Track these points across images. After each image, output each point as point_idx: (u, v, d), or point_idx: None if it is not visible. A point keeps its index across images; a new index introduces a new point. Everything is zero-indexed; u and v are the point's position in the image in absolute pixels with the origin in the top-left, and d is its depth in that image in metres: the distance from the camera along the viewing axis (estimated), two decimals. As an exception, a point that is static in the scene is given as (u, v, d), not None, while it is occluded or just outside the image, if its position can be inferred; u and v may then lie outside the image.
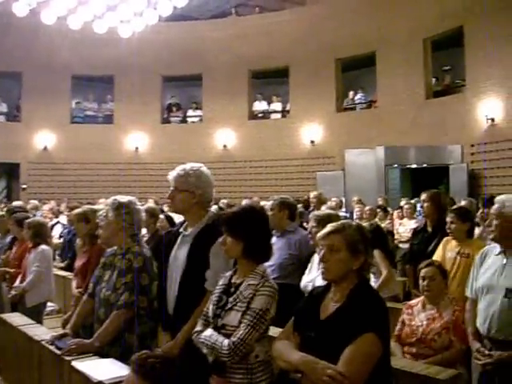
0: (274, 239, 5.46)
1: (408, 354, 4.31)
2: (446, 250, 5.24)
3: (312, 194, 10.13)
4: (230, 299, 3.02)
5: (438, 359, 4.09)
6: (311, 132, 18.74)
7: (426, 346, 4.25)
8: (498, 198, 3.86)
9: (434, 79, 17.77)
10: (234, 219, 3.14)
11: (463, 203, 9.42)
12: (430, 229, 5.69)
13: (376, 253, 5.62)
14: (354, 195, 14.03)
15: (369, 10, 17.48)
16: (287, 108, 20.20)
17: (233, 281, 3.11)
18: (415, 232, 5.95)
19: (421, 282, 4.53)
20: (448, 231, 5.24)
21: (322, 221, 4.35)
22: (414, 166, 16.28)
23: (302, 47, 18.70)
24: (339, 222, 2.94)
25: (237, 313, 2.96)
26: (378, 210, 10.58)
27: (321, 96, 18.61)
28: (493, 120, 14.79)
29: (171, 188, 3.69)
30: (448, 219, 5.23)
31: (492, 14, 14.68)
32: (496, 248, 3.81)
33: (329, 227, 2.89)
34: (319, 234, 2.95)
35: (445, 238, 5.32)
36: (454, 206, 5.72)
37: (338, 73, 18.99)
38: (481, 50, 15.06)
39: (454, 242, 5.25)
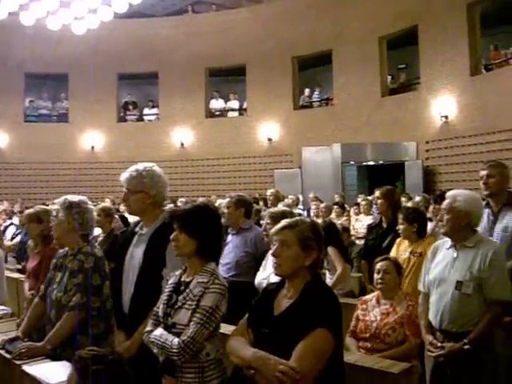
0: (229, 237, 5.47)
1: (363, 348, 4.34)
2: (400, 251, 5.31)
3: (269, 192, 10.16)
4: (180, 298, 2.99)
5: (393, 353, 4.12)
6: (268, 130, 18.78)
7: (380, 341, 4.28)
8: (449, 193, 3.92)
9: (389, 77, 18.02)
10: (188, 216, 3.11)
11: (417, 199, 9.57)
12: (384, 225, 5.76)
13: (330, 250, 5.66)
14: (311, 192, 14.12)
15: (325, 8, 17.60)
16: (244, 106, 20.20)
17: (183, 279, 3.08)
18: (370, 228, 6.02)
19: (376, 275, 4.57)
20: (399, 232, 5.32)
21: (277, 218, 4.35)
22: (371, 162, 16.49)
23: (259, 45, 18.71)
24: (292, 219, 2.94)
25: (187, 311, 2.93)
26: (336, 206, 10.64)
27: (278, 94, 18.66)
28: (446, 117, 15.07)
29: (124, 190, 3.65)
30: (399, 220, 5.31)
31: (445, 13, 14.97)
32: (447, 242, 3.88)
33: (282, 223, 2.89)
34: (272, 230, 2.97)
35: (398, 239, 5.39)
36: (403, 206, 5.78)
37: (294, 71, 19.08)
38: (435, 49, 15.34)
39: (406, 242, 5.33)
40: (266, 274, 4.48)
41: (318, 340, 2.59)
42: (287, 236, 2.82)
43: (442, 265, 3.78)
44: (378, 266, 4.60)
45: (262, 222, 6.41)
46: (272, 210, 5.05)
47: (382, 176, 15.95)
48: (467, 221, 3.73)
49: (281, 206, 7.18)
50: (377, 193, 5.94)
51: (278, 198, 9.43)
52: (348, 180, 16.15)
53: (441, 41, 15.17)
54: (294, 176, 16.59)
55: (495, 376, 3.69)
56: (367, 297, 4.75)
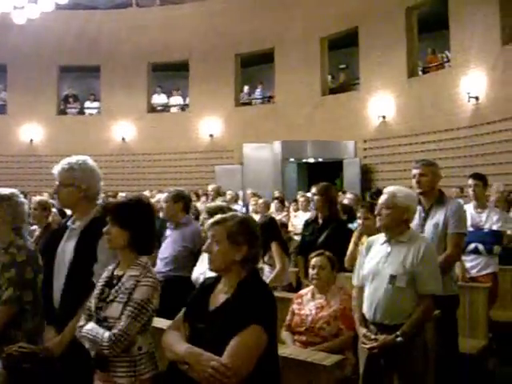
0: (168, 232, 5.47)
1: (298, 342, 4.40)
2: (360, 245, 5.33)
3: (210, 187, 10.17)
4: (112, 291, 2.97)
5: (327, 346, 4.21)
6: (210, 126, 18.77)
7: (315, 335, 4.36)
8: (387, 189, 4.01)
9: (330, 77, 18.27)
10: (121, 208, 3.10)
11: (349, 196, 9.76)
12: (320, 221, 5.81)
13: (273, 245, 5.75)
14: (251, 189, 14.21)
15: (269, 7, 17.71)
16: (187, 102, 20.13)
17: (115, 273, 3.06)
18: (307, 224, 6.08)
19: (310, 270, 4.64)
20: (360, 227, 5.39)
21: (213, 213, 4.39)
22: (310, 160, 16.67)
23: (202, 41, 18.67)
24: (224, 214, 2.96)
25: (118, 304, 2.91)
26: (276, 201, 10.72)
27: (220, 90, 18.68)
28: (384, 117, 15.42)
29: (56, 183, 3.58)
30: (359, 214, 5.39)
31: (384, 16, 15.32)
32: (380, 238, 3.99)
33: (212, 219, 2.93)
34: (205, 225, 3.01)
35: (355, 234, 5.46)
36: (347, 201, 5.90)
37: (237, 68, 19.13)
38: (374, 51, 15.66)
39: (364, 237, 5.35)
40: (203, 269, 4.43)
41: (251, 336, 2.62)
42: (217, 231, 2.84)
43: (376, 260, 3.87)
44: (313, 261, 4.67)
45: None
46: (209, 204, 5.07)
47: (322, 173, 16.16)
48: (405, 216, 3.85)
49: (218, 202, 7.21)
50: (313, 189, 5.98)
51: (218, 194, 9.46)
52: (288, 177, 16.30)
53: (380, 43, 15.51)
54: (235, 172, 16.64)
55: (425, 367, 3.83)
56: (302, 291, 4.81)
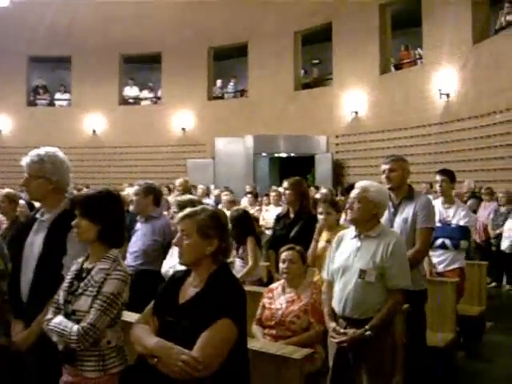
0: (138, 225, 5.41)
1: (269, 336, 4.39)
2: (320, 240, 5.37)
3: (177, 182, 10.09)
4: (81, 284, 2.92)
5: (297, 340, 4.21)
6: (182, 119, 18.70)
7: (285, 328, 4.35)
8: (359, 184, 3.99)
9: (303, 72, 18.30)
10: (90, 201, 3.06)
11: (323, 191, 9.78)
12: (292, 215, 5.82)
13: (248, 240, 5.77)
14: (223, 183, 14.20)
15: (242, 0, 17.61)
16: (159, 94, 20.00)
17: (85, 266, 3.01)
18: (278, 218, 6.08)
19: (281, 264, 4.63)
20: (321, 222, 5.37)
21: (184, 206, 4.36)
22: (283, 154, 16.71)
23: (176, 34, 18.56)
24: (194, 208, 2.92)
25: (87, 298, 2.86)
26: (249, 195, 10.69)
27: (193, 84, 18.62)
28: (356, 113, 15.50)
29: (25, 174, 3.51)
30: (321, 210, 5.36)
31: (358, 13, 15.39)
32: (351, 232, 3.99)
33: (182, 212, 2.91)
34: (175, 219, 2.99)
35: (317, 229, 5.44)
36: (320, 196, 5.90)
37: (210, 61, 19.09)
38: (347, 46, 15.75)
39: (325, 232, 5.39)
40: (173, 263, 4.40)
41: (221, 330, 2.61)
42: (187, 225, 2.83)
43: (346, 254, 3.87)
44: (283, 255, 4.66)
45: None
46: (179, 198, 5.02)
47: (294, 168, 16.22)
48: (376, 211, 3.86)
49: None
50: (285, 184, 5.97)
51: (186, 188, 9.35)
52: (260, 171, 16.33)
53: (353, 39, 15.59)
54: (207, 166, 16.63)
55: (393, 361, 3.85)
56: (273, 285, 4.80)
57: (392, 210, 4.62)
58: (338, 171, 15.71)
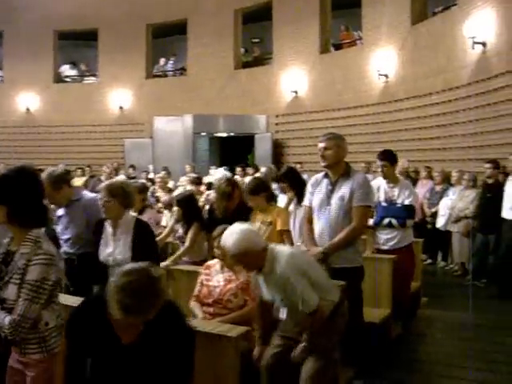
0: (60, 211, 5.12)
1: (206, 313, 4.40)
2: (255, 221, 5.48)
3: (104, 168, 9.97)
4: (9, 269, 2.85)
5: (232, 317, 4.25)
6: (120, 98, 18.30)
7: (222, 306, 4.37)
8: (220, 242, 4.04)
9: (243, 50, 18.18)
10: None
11: (263, 170, 9.75)
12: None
13: (193, 225, 5.76)
14: (162, 163, 14.05)
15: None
16: (96, 72, 19.51)
17: (9, 249, 2.92)
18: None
19: (216, 250, 4.61)
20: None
21: (116, 194, 4.27)
22: (222, 134, 16.61)
23: (113, 10, 18.09)
24: (130, 268, 2.68)
25: (14, 286, 2.79)
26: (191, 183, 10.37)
27: (131, 61, 18.20)
28: (296, 92, 15.51)
29: None
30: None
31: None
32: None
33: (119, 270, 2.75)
34: None
35: (253, 211, 5.58)
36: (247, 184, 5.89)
37: (149, 38, 18.68)
38: (287, 26, 15.70)
39: (259, 213, 5.55)
40: (110, 250, 4.35)
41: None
42: None
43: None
44: (218, 240, 4.61)
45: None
46: (109, 182, 4.77)
47: (234, 148, 16.22)
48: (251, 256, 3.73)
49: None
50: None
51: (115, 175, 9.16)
52: (199, 151, 16.20)
53: (294, 18, 15.54)
54: (145, 146, 16.38)
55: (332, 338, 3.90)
56: (211, 262, 4.79)
57: (330, 187, 4.62)
58: (277, 151, 15.73)
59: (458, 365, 5.33)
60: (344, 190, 4.55)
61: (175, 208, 6.07)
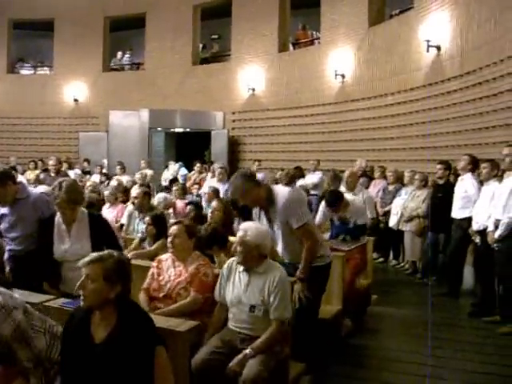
0: (5, 209, 4.96)
1: (157, 309, 4.35)
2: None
3: (50, 162, 9.88)
4: None
5: (172, 310, 4.27)
6: (75, 90, 18.00)
7: (172, 302, 4.36)
8: (242, 225, 4.22)
9: (201, 46, 18.10)
10: None
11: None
12: None
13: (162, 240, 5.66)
14: (117, 157, 13.89)
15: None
16: (52, 64, 19.14)
17: None
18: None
19: (168, 239, 4.62)
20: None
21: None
22: (179, 130, 16.51)
23: (71, 0, 17.81)
24: (100, 253, 2.98)
25: None
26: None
27: (88, 54, 17.92)
28: (254, 90, 15.52)
29: None
30: None
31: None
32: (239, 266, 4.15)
33: (89, 257, 2.96)
34: (80, 263, 2.97)
35: None
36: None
37: (106, 31, 18.42)
38: (247, 23, 15.71)
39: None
40: (67, 246, 4.40)
41: (163, 357, 2.90)
42: (92, 270, 2.90)
43: (237, 287, 4.08)
44: (170, 230, 4.68)
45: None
46: (61, 179, 4.72)
47: (190, 144, 16.15)
48: (258, 252, 4.02)
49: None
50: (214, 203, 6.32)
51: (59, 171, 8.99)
52: (155, 146, 16.05)
53: (253, 16, 15.56)
54: (100, 140, 16.16)
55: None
56: (162, 257, 4.77)
57: (267, 217, 4.65)
58: (233, 148, 15.73)
59: (406, 360, 5.42)
60: (276, 216, 4.58)
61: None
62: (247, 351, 3.81)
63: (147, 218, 6.05)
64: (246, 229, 4.10)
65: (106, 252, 3.01)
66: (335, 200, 6.37)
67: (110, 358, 2.80)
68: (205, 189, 9.79)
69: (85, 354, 2.85)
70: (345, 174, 8.34)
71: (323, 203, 6.69)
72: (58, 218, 4.56)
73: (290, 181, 9.34)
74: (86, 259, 2.94)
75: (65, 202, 4.40)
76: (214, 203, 6.31)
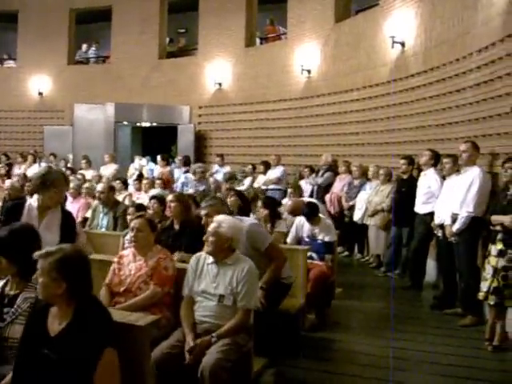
0: None
1: (118, 303, 4.36)
2: None
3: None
4: (11, 311, 3.15)
5: (136, 301, 4.30)
6: (40, 83, 17.69)
7: (133, 296, 4.36)
8: (216, 217, 4.27)
9: (168, 40, 17.99)
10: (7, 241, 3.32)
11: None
12: (177, 226, 5.82)
13: None
14: (82, 151, 13.75)
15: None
16: (15, 56, 18.82)
17: (6, 292, 3.25)
18: (163, 229, 5.94)
19: (130, 233, 4.66)
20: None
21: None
22: (145, 124, 16.39)
23: (35, -8, 17.51)
24: (50, 248, 2.96)
25: (20, 326, 3.01)
26: (117, 181, 9.93)
27: (53, 47, 17.59)
28: (220, 84, 15.48)
29: None
30: None
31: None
32: (208, 258, 4.19)
33: (44, 250, 2.94)
34: (35, 254, 2.96)
35: None
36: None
37: (71, 24, 18.12)
38: (214, 17, 15.64)
39: None
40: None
41: (110, 361, 2.80)
42: (42, 265, 2.88)
43: (206, 279, 4.12)
44: (132, 223, 4.69)
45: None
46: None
47: (156, 138, 16.07)
48: (229, 244, 4.12)
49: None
50: (170, 197, 6.07)
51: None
52: (121, 140, 15.89)
53: (220, 10, 15.50)
54: (65, 134, 15.95)
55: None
56: (124, 252, 4.80)
57: None
58: (200, 142, 15.67)
59: (370, 353, 5.48)
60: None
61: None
62: (211, 337, 3.84)
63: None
64: (221, 220, 4.15)
65: (56, 247, 2.98)
66: (314, 210, 6.65)
67: (59, 353, 2.75)
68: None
69: (38, 345, 2.82)
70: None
71: (297, 221, 6.79)
72: (30, 203, 4.57)
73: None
74: (38, 252, 2.92)
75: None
76: (169, 197, 6.18)
